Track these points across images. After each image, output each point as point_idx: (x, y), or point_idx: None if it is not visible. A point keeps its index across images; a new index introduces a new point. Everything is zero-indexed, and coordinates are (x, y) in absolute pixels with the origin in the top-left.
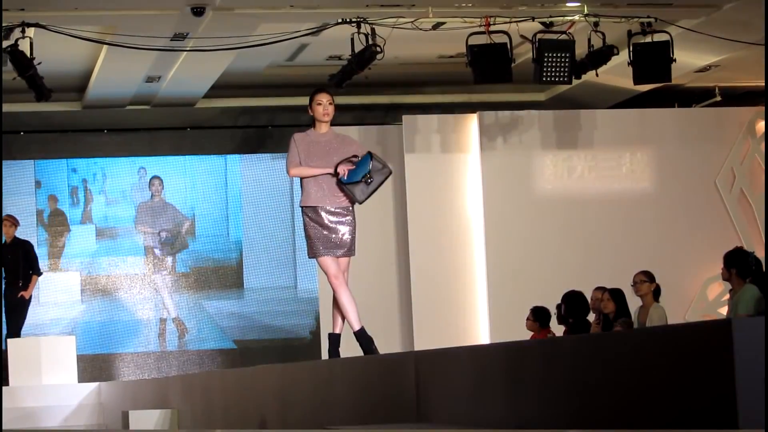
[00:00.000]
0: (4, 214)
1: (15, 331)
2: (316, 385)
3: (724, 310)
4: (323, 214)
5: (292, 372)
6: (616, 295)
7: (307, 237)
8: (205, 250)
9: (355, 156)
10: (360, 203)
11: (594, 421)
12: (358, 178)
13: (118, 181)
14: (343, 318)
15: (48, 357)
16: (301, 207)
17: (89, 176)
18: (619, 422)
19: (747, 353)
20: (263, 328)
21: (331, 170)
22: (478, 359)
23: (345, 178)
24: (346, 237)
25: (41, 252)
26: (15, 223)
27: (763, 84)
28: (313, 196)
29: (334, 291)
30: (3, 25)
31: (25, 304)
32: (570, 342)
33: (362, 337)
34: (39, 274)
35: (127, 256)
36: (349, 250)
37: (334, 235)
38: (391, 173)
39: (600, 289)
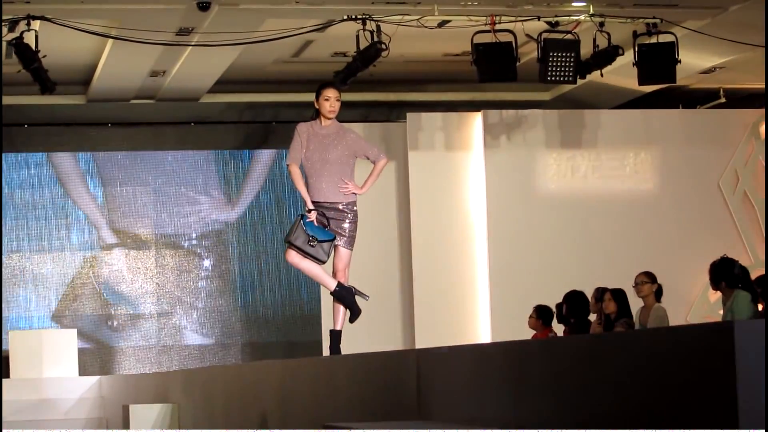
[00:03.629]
0: None
1: None
2: (317, 381)
3: None
4: (322, 209)
5: (293, 368)
6: (618, 295)
7: None
8: None
9: (328, 221)
10: (285, 242)
11: (594, 421)
12: (309, 232)
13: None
14: (345, 314)
15: (49, 350)
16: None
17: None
18: (620, 422)
19: (748, 355)
20: (265, 324)
21: (310, 203)
22: (479, 357)
23: (308, 223)
24: (344, 227)
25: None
26: None
27: None
28: (312, 190)
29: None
30: (9, 18)
31: None
32: (571, 342)
33: (340, 295)
34: None
35: (129, 250)
36: (345, 240)
37: (328, 221)
38: (322, 263)
39: (599, 290)
